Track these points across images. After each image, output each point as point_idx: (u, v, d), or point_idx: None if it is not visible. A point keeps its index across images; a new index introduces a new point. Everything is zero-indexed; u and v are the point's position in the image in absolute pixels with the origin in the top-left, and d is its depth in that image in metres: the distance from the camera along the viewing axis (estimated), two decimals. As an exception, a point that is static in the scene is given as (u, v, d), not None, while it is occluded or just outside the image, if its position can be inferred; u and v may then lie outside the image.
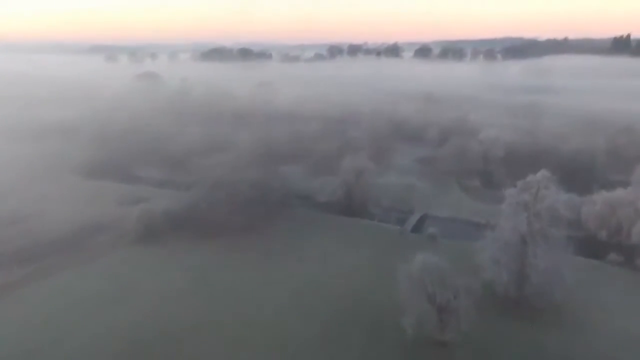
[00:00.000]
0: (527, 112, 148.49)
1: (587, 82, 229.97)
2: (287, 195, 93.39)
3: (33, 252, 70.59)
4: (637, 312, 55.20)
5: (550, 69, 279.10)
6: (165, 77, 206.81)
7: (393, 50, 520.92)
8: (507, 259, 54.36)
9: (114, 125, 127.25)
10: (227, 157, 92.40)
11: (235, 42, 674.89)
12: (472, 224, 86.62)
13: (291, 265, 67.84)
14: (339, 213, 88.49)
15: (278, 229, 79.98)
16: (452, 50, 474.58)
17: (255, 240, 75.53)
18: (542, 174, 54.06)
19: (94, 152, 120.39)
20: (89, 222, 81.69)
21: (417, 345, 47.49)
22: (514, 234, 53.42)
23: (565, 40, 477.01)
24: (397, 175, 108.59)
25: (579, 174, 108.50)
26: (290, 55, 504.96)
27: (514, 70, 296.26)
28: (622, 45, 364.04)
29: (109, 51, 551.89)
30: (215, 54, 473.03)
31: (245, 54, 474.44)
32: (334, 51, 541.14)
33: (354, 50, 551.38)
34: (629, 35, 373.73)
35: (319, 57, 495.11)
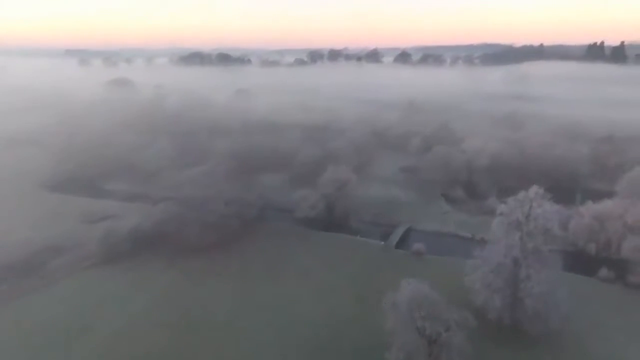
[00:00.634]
0: (509, 120, 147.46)
1: (565, 88, 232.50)
2: (265, 209, 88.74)
3: (-18, 278, 63.91)
4: (635, 335, 52.41)
5: (529, 76, 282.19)
6: (138, 83, 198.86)
7: (373, 56, 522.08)
8: (499, 282, 50.87)
9: (81, 135, 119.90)
10: (201, 170, 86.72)
11: (214, 47, 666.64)
12: (458, 238, 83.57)
13: (268, 288, 62.95)
14: (320, 228, 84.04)
15: (254, 247, 75.06)
16: (432, 56, 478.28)
17: (229, 260, 70.49)
18: (534, 190, 50.75)
19: (59, 164, 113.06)
20: (50, 243, 75.21)
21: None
22: (507, 255, 49.92)
23: (541, 46, 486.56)
24: (380, 186, 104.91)
25: (562, 182, 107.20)
26: (270, 60, 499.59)
27: (493, 76, 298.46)
28: (596, 52, 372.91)
29: (84, 55, 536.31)
30: (193, 58, 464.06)
31: (224, 59, 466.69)
32: (315, 56, 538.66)
33: (335, 55, 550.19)
34: (602, 43, 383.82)
35: (299, 62, 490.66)
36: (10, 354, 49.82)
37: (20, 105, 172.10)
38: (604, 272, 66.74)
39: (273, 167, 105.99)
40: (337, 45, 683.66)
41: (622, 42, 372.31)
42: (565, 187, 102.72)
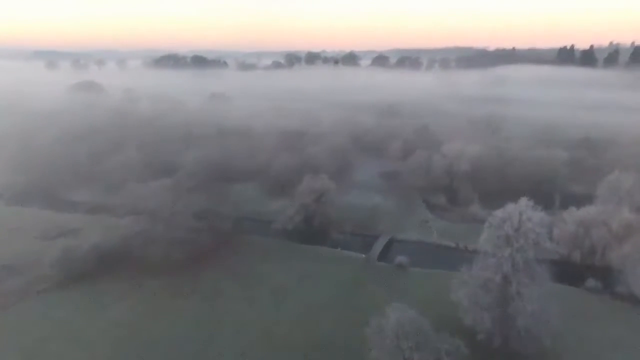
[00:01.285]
0: (487, 123, 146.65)
1: (540, 92, 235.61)
2: (240, 221, 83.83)
3: None
4: (628, 351, 50.25)
5: (504, 79, 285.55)
6: (107, 87, 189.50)
7: (351, 59, 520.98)
8: (489, 299, 47.76)
9: (41, 142, 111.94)
10: (170, 180, 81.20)
11: (190, 49, 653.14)
12: (441, 248, 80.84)
13: (241, 310, 58.29)
14: (299, 240, 79.83)
15: (228, 264, 70.18)
16: (409, 59, 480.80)
17: (200, 279, 65.43)
18: (523, 202, 47.92)
19: (15, 173, 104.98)
20: (1, 263, 68.36)
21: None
22: (496, 272, 46.85)
23: (514, 50, 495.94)
24: (360, 193, 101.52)
25: (542, 186, 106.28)
26: (247, 63, 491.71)
27: (470, 79, 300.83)
28: (567, 56, 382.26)
29: (53, 57, 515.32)
30: (168, 61, 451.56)
31: (200, 61, 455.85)
32: (292, 59, 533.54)
33: (312, 58, 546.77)
34: (572, 46, 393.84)
35: (276, 65, 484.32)
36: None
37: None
38: (591, 282, 64.97)
39: (249, 175, 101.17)
40: (315, 47, 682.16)
41: (592, 46, 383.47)
42: (545, 191, 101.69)
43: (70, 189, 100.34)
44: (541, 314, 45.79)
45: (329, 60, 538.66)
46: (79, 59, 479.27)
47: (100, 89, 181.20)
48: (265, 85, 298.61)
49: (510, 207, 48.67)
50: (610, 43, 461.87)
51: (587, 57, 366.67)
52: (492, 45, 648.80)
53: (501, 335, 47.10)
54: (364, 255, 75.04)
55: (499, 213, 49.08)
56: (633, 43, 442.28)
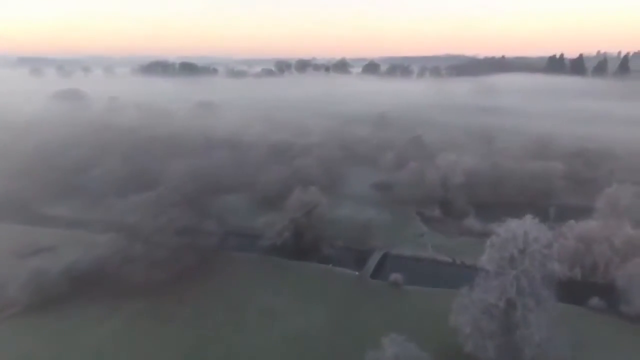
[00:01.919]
0: (480, 133, 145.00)
1: (532, 101, 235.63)
2: (227, 237, 79.68)
3: None
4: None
5: (496, 88, 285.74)
6: (91, 95, 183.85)
7: (342, 66, 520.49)
8: (493, 326, 44.35)
9: (18, 153, 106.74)
10: (153, 194, 76.63)
11: (179, 56, 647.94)
12: (437, 264, 77.56)
13: (226, 335, 54.09)
14: (289, 256, 75.87)
15: (213, 284, 65.96)
16: (400, 67, 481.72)
17: (182, 301, 61.12)
18: (529, 221, 44.80)
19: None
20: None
21: None
22: (501, 297, 43.52)
23: (503, 58, 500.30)
24: (351, 206, 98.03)
25: (537, 198, 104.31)
26: (237, 70, 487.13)
27: (461, 88, 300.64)
28: (557, 64, 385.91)
29: (38, 64, 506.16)
30: (156, 68, 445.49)
31: (189, 68, 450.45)
32: (282, 66, 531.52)
33: (303, 65, 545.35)
34: (562, 55, 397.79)
35: (266, 72, 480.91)
36: None
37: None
38: (595, 301, 62.11)
39: (236, 188, 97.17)
40: (305, 55, 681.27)
41: (581, 55, 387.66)
42: (541, 204, 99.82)
43: (47, 203, 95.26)
44: (549, 343, 42.52)
45: (320, 67, 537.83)
46: (64, 65, 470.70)
47: (83, 97, 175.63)
48: (255, 93, 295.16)
49: (513, 225, 45.51)
50: (598, 52, 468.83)
51: (577, 66, 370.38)
52: (481, 53, 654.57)
53: (507, 366, 43.69)
54: (357, 273, 71.43)
55: (501, 232, 45.85)
56: (619, 53, 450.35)
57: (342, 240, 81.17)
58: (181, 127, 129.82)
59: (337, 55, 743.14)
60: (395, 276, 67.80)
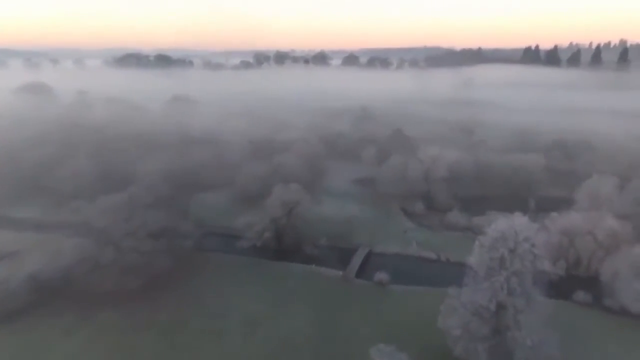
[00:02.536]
0: (461, 126, 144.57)
1: (511, 91, 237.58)
2: (205, 237, 76.51)
3: None
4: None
5: (474, 79, 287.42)
6: (58, 88, 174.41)
7: (321, 58, 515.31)
8: (484, 330, 42.87)
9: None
10: (125, 194, 72.40)
11: (154, 48, 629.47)
12: (422, 261, 76.22)
13: (205, 345, 51.21)
14: (270, 257, 73.31)
15: (189, 288, 62.78)
16: (379, 59, 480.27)
17: (157, 308, 57.78)
18: (520, 220, 43.28)
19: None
20: None
21: None
22: (491, 299, 41.99)
23: (479, 50, 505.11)
24: (333, 202, 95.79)
25: (518, 190, 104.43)
26: (214, 62, 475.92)
27: (440, 79, 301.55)
28: (532, 56, 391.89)
29: (3, 55, 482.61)
30: (130, 60, 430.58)
31: (164, 60, 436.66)
32: (261, 58, 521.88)
33: (281, 57, 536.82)
34: (537, 47, 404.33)
35: (244, 64, 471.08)
36: None
37: None
38: (579, 295, 61.75)
39: (214, 187, 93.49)
40: (284, 47, 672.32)
41: (555, 46, 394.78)
42: (522, 196, 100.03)
43: (10, 205, 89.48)
44: (540, 344, 41.34)
45: (299, 59, 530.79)
46: (31, 57, 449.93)
47: (50, 91, 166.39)
48: (233, 86, 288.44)
49: (503, 224, 43.93)
50: (570, 44, 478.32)
51: (552, 57, 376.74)
52: (458, 45, 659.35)
53: (497, 369, 42.35)
54: (341, 272, 69.32)
55: (490, 231, 44.20)
56: (590, 44, 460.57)
57: (325, 238, 79.00)
58: (155, 123, 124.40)
59: (316, 47, 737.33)
60: (380, 275, 66.04)
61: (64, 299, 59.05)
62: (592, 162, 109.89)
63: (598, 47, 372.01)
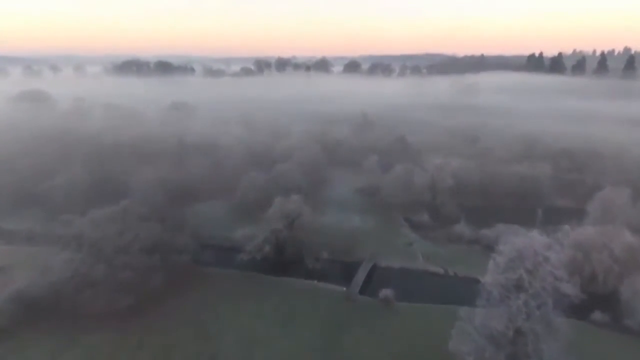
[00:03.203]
0: (465, 134, 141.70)
1: (515, 99, 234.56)
2: (202, 250, 73.22)
3: None
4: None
5: (478, 86, 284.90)
6: (58, 95, 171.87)
7: (322, 65, 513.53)
8: (499, 358, 39.55)
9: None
10: (120, 206, 69.52)
11: (155, 55, 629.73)
12: (429, 276, 72.88)
13: (202, 372, 47.93)
14: (270, 271, 70.09)
15: (185, 307, 59.51)
16: (381, 66, 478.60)
17: (150, 329, 54.50)
18: (538, 239, 40.13)
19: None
20: None
21: None
22: (509, 325, 38.74)
23: (482, 57, 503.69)
24: (336, 213, 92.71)
25: (526, 201, 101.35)
26: (215, 69, 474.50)
27: (443, 86, 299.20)
28: (536, 63, 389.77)
29: (3, 62, 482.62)
30: (130, 67, 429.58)
31: (164, 67, 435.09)
32: (261, 65, 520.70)
33: (283, 64, 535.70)
34: (541, 54, 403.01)
35: (245, 71, 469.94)
36: None
37: None
38: (597, 314, 58.41)
39: (212, 197, 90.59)
40: (285, 53, 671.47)
41: (560, 54, 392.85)
42: (530, 207, 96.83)
43: (1, 215, 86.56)
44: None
45: (300, 66, 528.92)
46: (31, 64, 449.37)
47: (48, 99, 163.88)
48: (233, 93, 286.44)
49: (519, 242, 40.75)
50: (574, 51, 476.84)
51: (556, 65, 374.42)
52: (460, 52, 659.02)
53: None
54: (344, 289, 66.10)
55: (506, 250, 41.03)
56: (594, 51, 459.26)
57: (327, 252, 75.38)
58: (153, 131, 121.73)
59: (318, 54, 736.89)
60: (385, 292, 62.79)
61: (52, 318, 55.81)
62: (602, 172, 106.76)
63: (603, 54, 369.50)
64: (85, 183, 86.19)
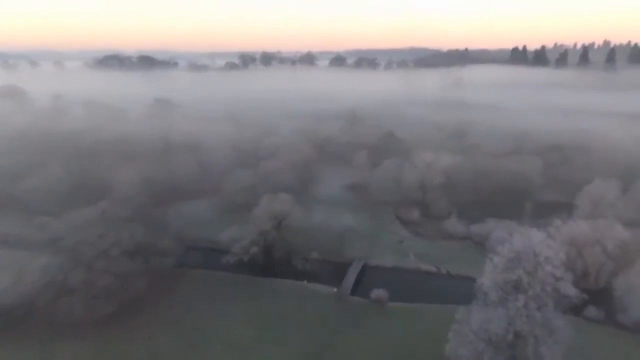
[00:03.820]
0: (454, 129, 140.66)
1: (502, 93, 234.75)
2: (187, 253, 70.53)
3: None
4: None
5: (464, 80, 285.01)
6: (34, 92, 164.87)
7: (308, 59, 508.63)
8: (499, 362, 38.22)
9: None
10: (100, 207, 66.31)
11: (138, 49, 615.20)
12: (421, 274, 71.59)
13: (185, 382, 45.65)
14: (257, 273, 68.05)
15: (169, 312, 57.03)
16: (367, 60, 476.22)
17: (132, 337, 51.94)
18: (538, 236, 38.77)
19: None
20: None
21: None
22: (508, 328, 37.37)
23: (466, 51, 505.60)
24: (325, 211, 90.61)
25: (516, 195, 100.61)
26: (199, 64, 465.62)
27: (429, 80, 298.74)
28: (520, 56, 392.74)
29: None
30: (112, 61, 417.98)
31: (147, 62, 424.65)
32: (247, 60, 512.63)
33: (268, 58, 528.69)
34: (525, 47, 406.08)
35: (230, 66, 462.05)
36: None
37: None
38: (591, 310, 57.72)
39: (197, 196, 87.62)
40: (270, 48, 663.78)
41: (543, 47, 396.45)
42: (519, 200, 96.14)
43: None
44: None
45: (286, 61, 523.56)
46: (8, 59, 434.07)
47: (23, 95, 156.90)
48: (218, 88, 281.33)
49: (519, 243, 39.36)
50: (555, 44, 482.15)
51: (540, 58, 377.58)
52: (444, 46, 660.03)
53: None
54: (335, 289, 64.35)
55: (504, 251, 39.60)
56: (575, 44, 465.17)
57: (317, 251, 73.42)
58: (135, 128, 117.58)
59: (303, 48, 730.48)
60: (377, 292, 61.28)
61: (27, 327, 52.79)
62: (590, 165, 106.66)
63: (586, 48, 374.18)
64: (63, 184, 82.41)
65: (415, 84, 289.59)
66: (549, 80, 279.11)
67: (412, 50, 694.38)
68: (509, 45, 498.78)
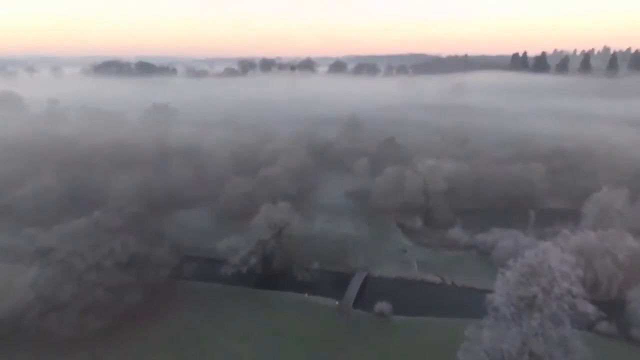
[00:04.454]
0: (455, 134, 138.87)
1: (503, 99, 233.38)
2: (182, 264, 67.94)
3: None
4: None
5: (464, 86, 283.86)
6: (30, 98, 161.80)
7: (308, 65, 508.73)
8: (513, 384, 35.88)
9: None
10: (94, 217, 64.03)
11: (136, 55, 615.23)
12: (425, 286, 69.18)
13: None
14: (256, 285, 65.69)
15: (164, 328, 54.63)
16: (366, 66, 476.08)
17: (123, 354, 49.45)
18: (553, 250, 36.62)
19: None
20: None
21: None
22: (523, 349, 35.10)
23: (466, 57, 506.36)
24: (326, 219, 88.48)
25: (520, 203, 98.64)
26: (198, 69, 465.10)
27: (429, 86, 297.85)
28: (520, 62, 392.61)
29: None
30: (110, 67, 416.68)
31: (145, 68, 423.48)
32: (246, 66, 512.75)
33: (267, 65, 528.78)
34: (525, 53, 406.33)
35: (229, 72, 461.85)
36: None
37: None
38: (604, 325, 55.34)
39: (194, 205, 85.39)
40: (269, 54, 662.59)
41: (544, 53, 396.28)
42: (523, 208, 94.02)
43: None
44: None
45: (285, 66, 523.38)
46: (5, 65, 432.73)
47: (19, 101, 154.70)
48: (217, 94, 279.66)
49: (532, 257, 37.22)
50: (555, 50, 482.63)
51: (540, 64, 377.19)
52: (444, 52, 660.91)
53: None
54: (337, 302, 62.00)
55: (517, 266, 37.43)
56: (575, 50, 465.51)
57: (318, 262, 71.11)
58: (132, 134, 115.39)
59: (302, 54, 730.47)
60: (381, 306, 59.09)
61: (15, 344, 50.38)
62: (594, 172, 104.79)
63: (587, 54, 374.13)
64: (57, 192, 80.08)
65: (415, 90, 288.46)
66: (551, 86, 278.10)
67: (412, 57, 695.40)
68: (509, 51, 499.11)
